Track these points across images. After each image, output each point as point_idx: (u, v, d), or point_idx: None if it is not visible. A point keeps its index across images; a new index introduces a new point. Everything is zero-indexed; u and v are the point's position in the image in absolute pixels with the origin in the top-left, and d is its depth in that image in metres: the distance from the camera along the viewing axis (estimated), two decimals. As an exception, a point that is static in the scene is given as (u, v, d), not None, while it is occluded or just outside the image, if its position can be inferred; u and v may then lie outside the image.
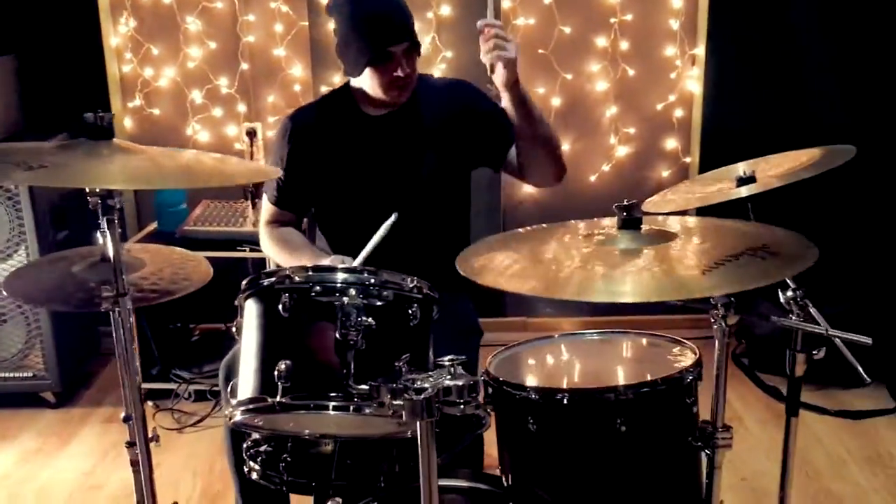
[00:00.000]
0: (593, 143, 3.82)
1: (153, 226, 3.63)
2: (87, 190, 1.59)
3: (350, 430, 1.70)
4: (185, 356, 3.67)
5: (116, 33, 3.69)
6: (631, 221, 1.58)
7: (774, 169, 2.03)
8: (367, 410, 1.45)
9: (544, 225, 1.78)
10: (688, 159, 3.80)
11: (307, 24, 3.65)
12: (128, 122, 3.78)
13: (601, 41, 3.70)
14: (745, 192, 1.98)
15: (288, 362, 1.48)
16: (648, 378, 1.81)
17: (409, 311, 1.55)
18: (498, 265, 1.55)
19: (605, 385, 1.75)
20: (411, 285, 1.57)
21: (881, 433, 3.16)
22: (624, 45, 3.70)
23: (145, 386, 3.41)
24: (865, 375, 1.90)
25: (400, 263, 2.04)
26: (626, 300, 1.38)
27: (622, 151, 3.82)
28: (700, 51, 3.67)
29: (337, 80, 3.65)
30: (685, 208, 2.05)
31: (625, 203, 1.58)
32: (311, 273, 1.53)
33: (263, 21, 3.68)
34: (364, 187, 2.32)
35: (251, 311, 1.62)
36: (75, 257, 1.94)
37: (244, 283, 1.64)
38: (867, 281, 3.51)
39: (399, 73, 2.19)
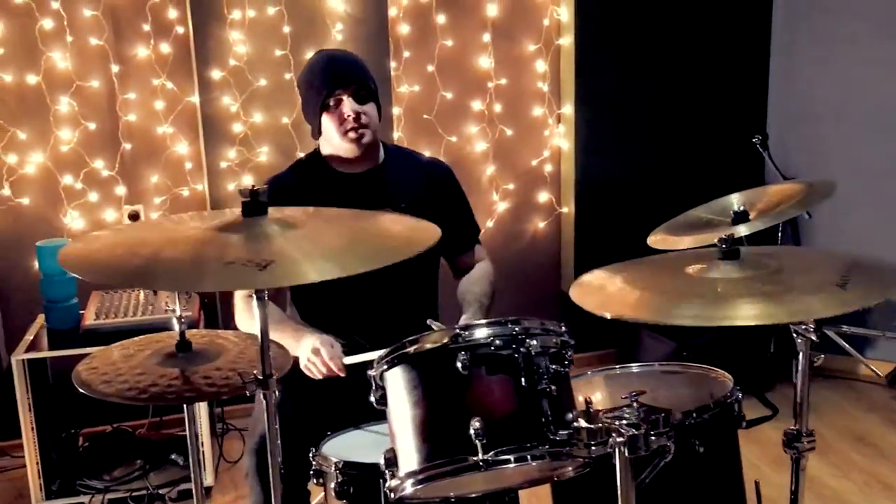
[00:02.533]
0: (477, 200, 3.98)
1: (39, 322, 3.29)
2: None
3: (501, 483, 1.72)
4: (83, 465, 3.34)
5: (-26, 119, 3.36)
6: (731, 253, 1.76)
7: (759, 205, 2.30)
8: (572, 455, 1.49)
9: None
10: (564, 209, 4.10)
11: (195, 99, 3.54)
12: (-11, 215, 3.43)
13: (477, 104, 3.91)
14: (744, 230, 2.22)
15: (479, 419, 1.49)
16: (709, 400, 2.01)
17: (567, 356, 1.61)
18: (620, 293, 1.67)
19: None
20: (564, 329, 1.64)
21: (773, 438, 3.56)
22: (498, 108, 3.94)
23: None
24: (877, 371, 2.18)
25: (371, 323, 2.15)
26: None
27: (502, 206, 4.04)
28: (567, 109, 4.00)
29: (232, 154, 3.57)
30: (695, 246, 2.25)
31: (725, 237, 1.76)
32: (489, 328, 1.55)
33: (144, 99, 3.52)
34: None
35: (404, 379, 1.59)
36: (143, 346, 1.78)
37: (386, 354, 1.62)
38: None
39: (347, 112, 2.29)
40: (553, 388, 1.52)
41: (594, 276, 1.85)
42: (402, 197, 2.38)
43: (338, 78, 2.33)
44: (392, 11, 3.69)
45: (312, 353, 2.08)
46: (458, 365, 1.52)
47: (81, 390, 1.64)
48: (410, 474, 1.55)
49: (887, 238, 3.79)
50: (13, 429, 3.11)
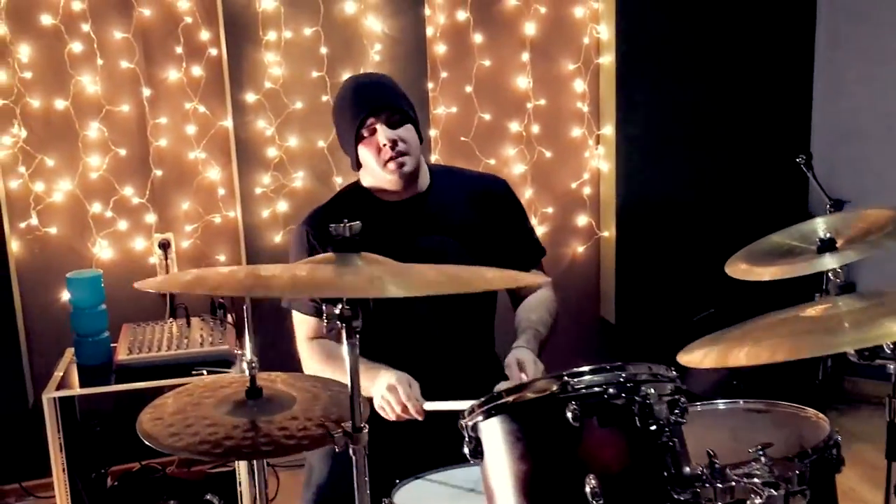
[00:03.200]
0: (515, 225, 3.88)
1: (68, 356, 3.15)
2: (326, 313, 1.36)
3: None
4: (113, 504, 3.20)
5: (2, 146, 3.23)
6: (847, 287, 1.63)
7: (849, 231, 2.16)
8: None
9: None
10: (605, 233, 3.97)
11: (228, 123, 3.41)
12: (14, 245, 3.30)
13: (515, 126, 3.79)
14: (830, 263, 2.07)
15: (594, 476, 1.35)
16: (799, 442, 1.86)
17: (681, 403, 1.47)
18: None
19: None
20: (674, 373, 1.50)
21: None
22: (536, 129, 3.82)
23: (76, 550, 2.95)
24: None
25: (426, 355, 2.01)
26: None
27: (540, 231, 3.91)
28: (607, 130, 3.88)
29: (266, 180, 3.44)
30: (781, 276, 2.12)
31: (839, 269, 1.63)
32: (598, 375, 1.42)
33: (175, 123, 3.40)
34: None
35: (504, 431, 1.46)
36: (208, 392, 1.65)
37: (483, 403, 1.48)
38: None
39: (383, 140, 2.12)
40: (675, 441, 1.38)
41: (703, 350, 1.69)
42: (450, 223, 2.25)
43: (367, 104, 2.15)
44: (429, 31, 3.58)
45: (388, 390, 1.94)
46: (569, 415, 1.39)
47: (149, 444, 1.50)
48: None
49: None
50: (40, 468, 2.97)
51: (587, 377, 1.42)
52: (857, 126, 4.02)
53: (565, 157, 3.89)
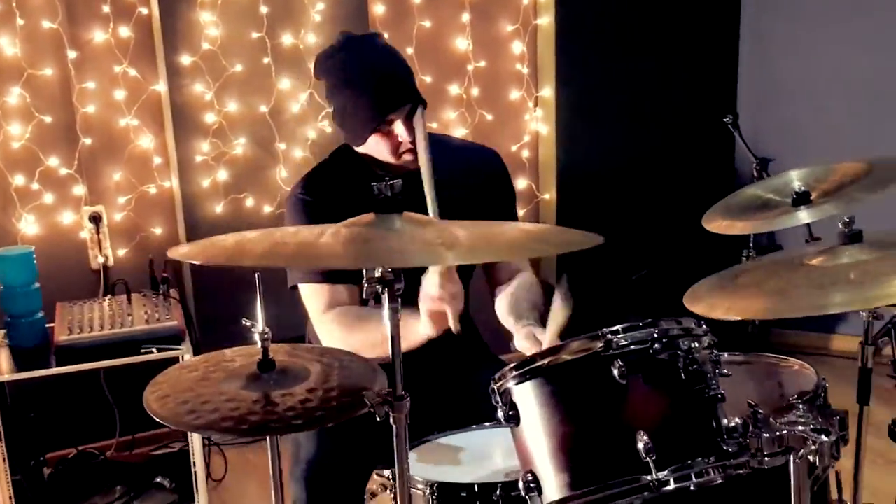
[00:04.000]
0: (457, 189, 3.83)
1: (-1, 339, 2.94)
2: (366, 276, 1.28)
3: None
4: (55, 495, 3.02)
5: (-89, 114, 2.97)
6: (855, 236, 1.65)
7: (823, 184, 2.20)
8: (747, 467, 1.35)
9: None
10: (546, 196, 3.97)
11: (161, 87, 3.23)
12: (-72, 224, 3.05)
13: (455, 89, 3.73)
14: (805, 217, 2.11)
15: (644, 433, 1.33)
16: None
17: (717, 358, 1.47)
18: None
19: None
20: (705, 327, 1.49)
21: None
22: (476, 92, 3.77)
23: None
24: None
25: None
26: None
27: (481, 195, 3.87)
28: (546, 93, 3.86)
29: (206, 147, 3.28)
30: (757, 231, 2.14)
31: (848, 219, 1.65)
32: (641, 331, 1.39)
33: (104, 88, 3.19)
34: None
35: (543, 394, 1.42)
36: (212, 367, 1.55)
37: (516, 367, 1.44)
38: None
39: (401, 137, 2.03)
40: (721, 393, 1.37)
41: (707, 285, 1.69)
42: (449, 195, 2.18)
43: (392, 103, 2.01)
44: (369, -9, 3.48)
45: (432, 300, 1.79)
46: (615, 373, 1.36)
47: (167, 425, 1.40)
48: (566, 500, 1.37)
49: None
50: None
51: (629, 334, 1.39)
52: (783, 86, 4.13)
53: (505, 119, 3.86)
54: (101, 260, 3.26)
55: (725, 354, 2.14)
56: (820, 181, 2.24)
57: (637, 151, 4.05)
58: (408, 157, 2.05)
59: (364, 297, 1.30)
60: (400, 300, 1.32)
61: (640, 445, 1.32)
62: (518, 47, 3.81)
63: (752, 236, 3.78)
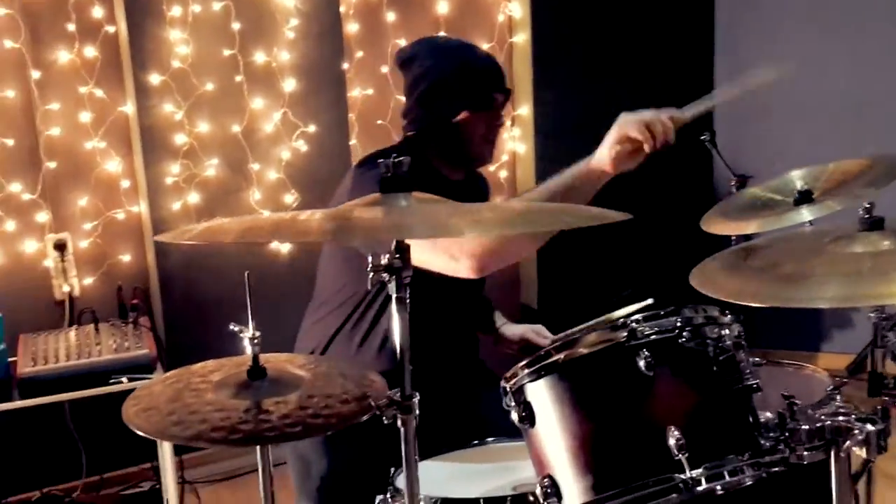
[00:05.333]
0: (435, 211, 3.75)
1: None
2: (371, 262, 1.17)
3: None
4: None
5: None
6: (876, 223, 1.57)
7: (824, 182, 2.14)
8: (785, 463, 1.25)
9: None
10: (526, 216, 3.88)
11: (129, 108, 3.11)
12: None
13: (431, 109, 3.65)
14: (808, 214, 2.06)
15: (675, 429, 1.23)
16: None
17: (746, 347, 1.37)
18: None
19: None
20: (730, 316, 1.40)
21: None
22: (452, 112, 3.69)
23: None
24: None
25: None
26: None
27: (460, 217, 3.79)
28: (524, 111, 3.80)
29: (176, 169, 3.16)
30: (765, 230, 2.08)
31: (867, 206, 1.57)
32: (674, 317, 1.29)
33: (68, 109, 3.06)
34: None
35: (559, 390, 1.31)
36: (200, 377, 1.42)
37: (529, 363, 1.34)
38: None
39: (505, 120, 2.08)
40: (756, 383, 1.27)
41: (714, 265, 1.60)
42: None
43: (500, 82, 2.07)
44: (342, 8, 3.40)
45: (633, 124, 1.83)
46: (641, 364, 1.26)
47: (151, 437, 1.27)
48: (596, 502, 1.26)
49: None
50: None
51: (655, 322, 1.30)
52: (759, 103, 4.12)
53: (482, 139, 3.78)
54: (66, 289, 3.10)
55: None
56: (820, 179, 2.19)
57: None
58: (488, 147, 2.06)
59: (369, 286, 1.19)
60: (408, 290, 1.21)
61: (672, 442, 1.22)
62: (494, 66, 3.74)
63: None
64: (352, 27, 3.45)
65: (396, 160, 1.21)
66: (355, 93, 3.48)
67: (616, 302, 3.97)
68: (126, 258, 3.21)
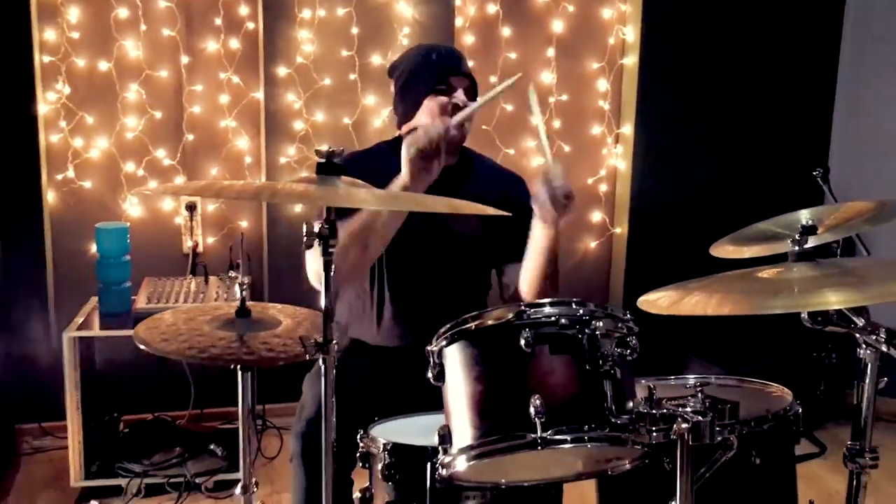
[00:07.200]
0: (530, 215, 3.99)
1: (92, 304, 3.32)
2: (305, 229, 1.50)
3: (552, 473, 1.68)
4: (123, 449, 3.35)
5: (46, 101, 3.42)
6: (806, 255, 1.72)
7: (827, 221, 2.25)
8: (632, 441, 1.46)
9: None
10: (617, 230, 4.06)
11: (259, 95, 3.58)
12: (50, 196, 3.48)
13: (537, 120, 3.90)
14: (811, 242, 2.17)
15: (539, 397, 1.46)
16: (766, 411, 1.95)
17: (631, 343, 1.58)
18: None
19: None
20: (629, 316, 1.61)
21: (819, 474, 3.48)
22: (557, 124, 3.93)
23: (84, 484, 3.10)
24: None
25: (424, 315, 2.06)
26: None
27: (555, 223, 4.01)
28: (626, 130, 3.98)
29: (292, 151, 3.59)
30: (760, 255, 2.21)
31: (799, 237, 1.72)
32: (554, 307, 1.53)
33: (209, 91, 3.57)
34: (406, 234, 2.30)
35: (464, 355, 1.57)
36: (203, 312, 1.79)
37: (446, 330, 1.60)
38: (781, 338, 3.88)
39: (457, 100, 2.25)
40: (617, 371, 1.49)
41: (662, 294, 1.79)
42: (480, 199, 2.33)
43: (457, 65, 2.31)
44: (458, 21, 3.72)
45: (415, 143, 2.03)
46: (522, 342, 1.50)
47: (142, 347, 1.65)
48: (464, 449, 1.53)
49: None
50: (58, 411, 3.13)
51: (545, 308, 1.54)
52: (876, 143, 4.07)
53: (584, 153, 4.00)
54: (190, 244, 3.61)
55: (713, 378, 2.26)
56: (827, 217, 2.29)
57: (716, 195, 4.08)
58: (452, 115, 2.22)
59: (304, 246, 1.51)
60: (333, 253, 1.52)
61: (532, 409, 1.46)
62: (603, 85, 3.95)
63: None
64: (468, 38, 3.76)
65: (330, 152, 1.53)
66: (464, 99, 3.79)
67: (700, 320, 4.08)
68: (244, 223, 3.68)
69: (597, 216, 4.06)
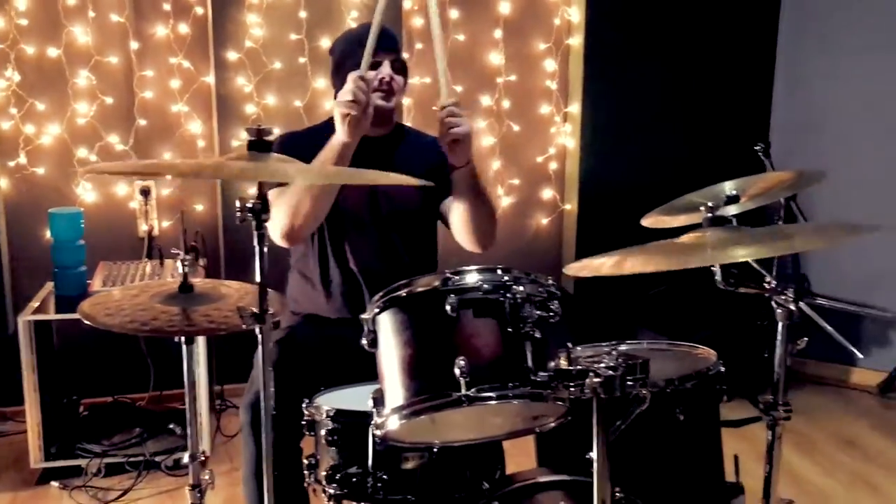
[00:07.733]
0: (482, 194, 4.07)
1: (48, 288, 3.36)
2: (239, 205, 1.57)
3: (484, 432, 1.77)
4: (83, 430, 3.41)
5: (-4, 87, 3.46)
6: (718, 219, 1.83)
7: (751, 190, 2.37)
8: (552, 395, 1.55)
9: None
10: (567, 206, 4.16)
11: (210, 79, 3.63)
12: (2, 182, 3.51)
13: (486, 100, 3.99)
14: (733, 210, 2.29)
15: (464, 358, 1.55)
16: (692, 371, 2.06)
17: (553, 307, 1.66)
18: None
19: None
20: (551, 281, 1.70)
21: (760, 436, 3.61)
22: (506, 104, 4.01)
23: (44, 465, 3.15)
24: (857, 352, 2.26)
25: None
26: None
27: (506, 201, 4.11)
28: (574, 109, 4.07)
29: (244, 135, 3.63)
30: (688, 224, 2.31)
31: (711, 205, 1.83)
32: (479, 274, 1.62)
33: (160, 76, 3.61)
34: (345, 202, 2.39)
35: (395, 321, 1.66)
36: (147, 289, 1.85)
37: (378, 298, 1.68)
38: (727, 310, 4.00)
39: (383, 74, 2.35)
40: (537, 332, 1.58)
41: (589, 260, 1.88)
42: (409, 164, 2.43)
43: (385, 41, 2.37)
44: (407, 4, 3.78)
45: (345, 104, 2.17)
46: (447, 307, 1.58)
47: (86, 322, 1.71)
48: (396, 409, 1.61)
49: (886, 251, 3.86)
50: (17, 395, 3.17)
51: (469, 275, 1.62)
52: (816, 118, 4.20)
53: (533, 132, 4.09)
54: (145, 228, 3.65)
55: (644, 343, 2.37)
56: (750, 186, 2.40)
57: (661, 171, 4.17)
58: (379, 94, 2.35)
59: (237, 222, 1.58)
60: (268, 228, 1.60)
61: (456, 369, 1.54)
62: (550, 65, 4.04)
63: (776, 264, 3.87)
64: (416, 21, 3.83)
65: (261, 129, 1.60)
66: (414, 80, 3.86)
67: (651, 296, 4.18)
68: (199, 207, 3.73)
69: (547, 193, 4.16)
